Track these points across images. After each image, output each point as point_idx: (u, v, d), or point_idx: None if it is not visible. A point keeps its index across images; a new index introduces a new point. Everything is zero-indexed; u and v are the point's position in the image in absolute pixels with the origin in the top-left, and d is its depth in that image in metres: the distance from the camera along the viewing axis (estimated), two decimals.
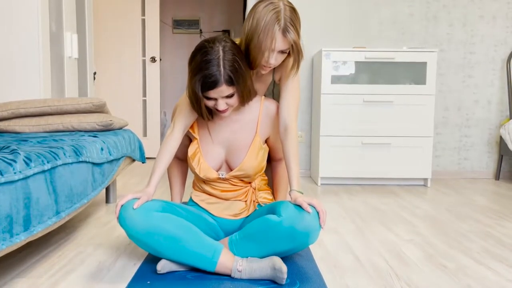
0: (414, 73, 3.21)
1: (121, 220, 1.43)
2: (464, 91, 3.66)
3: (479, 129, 3.69)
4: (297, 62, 1.58)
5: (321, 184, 3.32)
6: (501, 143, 3.57)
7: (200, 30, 5.87)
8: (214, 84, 1.42)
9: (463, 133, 3.69)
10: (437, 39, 3.62)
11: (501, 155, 3.60)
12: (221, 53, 1.43)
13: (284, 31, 1.47)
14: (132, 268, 1.55)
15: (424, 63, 3.19)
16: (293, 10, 1.51)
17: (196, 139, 1.66)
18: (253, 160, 1.62)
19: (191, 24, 5.86)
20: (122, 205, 1.45)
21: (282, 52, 1.53)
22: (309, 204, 1.42)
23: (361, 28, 3.61)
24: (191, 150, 1.66)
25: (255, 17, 1.50)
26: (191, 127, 1.68)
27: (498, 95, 3.66)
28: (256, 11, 1.51)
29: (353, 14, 3.60)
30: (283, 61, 1.59)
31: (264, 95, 1.79)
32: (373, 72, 3.21)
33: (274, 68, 1.70)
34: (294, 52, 1.53)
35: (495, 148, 3.70)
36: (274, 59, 1.52)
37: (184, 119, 1.62)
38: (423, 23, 3.60)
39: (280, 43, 1.49)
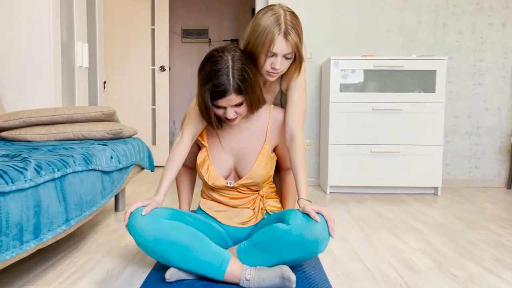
0: (423, 81, 3.20)
1: (130, 227, 1.44)
2: (474, 98, 3.64)
3: (490, 137, 3.65)
4: (299, 65, 1.59)
5: (330, 192, 3.30)
6: None
7: (209, 39, 5.91)
8: (223, 93, 1.44)
9: (473, 141, 3.66)
10: (446, 46, 3.60)
11: None
12: (230, 62, 1.45)
13: (286, 34, 1.48)
14: (140, 276, 1.56)
15: (434, 71, 3.18)
16: (293, 14, 1.52)
17: (206, 146, 1.67)
18: (261, 168, 1.63)
19: (200, 33, 5.90)
20: (131, 213, 1.46)
21: (286, 56, 1.53)
22: (317, 213, 1.42)
23: (369, 36, 3.61)
24: (200, 157, 1.67)
25: (255, 23, 1.52)
26: (200, 135, 1.69)
27: (508, 103, 3.63)
28: (256, 18, 1.54)
29: (361, 22, 3.61)
30: (289, 69, 1.60)
31: (273, 105, 1.79)
32: (382, 80, 3.21)
33: (281, 78, 1.70)
34: (296, 55, 1.55)
35: (507, 156, 3.66)
36: (280, 64, 1.52)
37: (193, 127, 1.63)
38: (432, 30, 3.60)
39: (283, 47, 1.49)
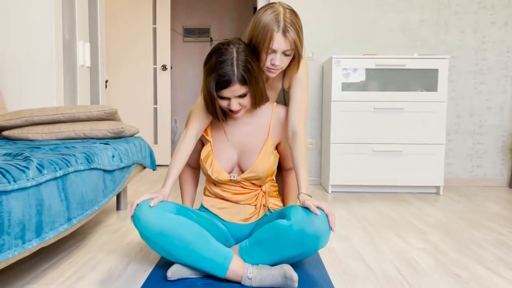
0: (425, 80, 3.19)
1: (135, 219, 1.44)
2: (476, 97, 3.63)
3: (492, 136, 3.65)
4: (297, 62, 1.61)
5: (331, 191, 3.30)
6: None
7: (211, 38, 5.90)
8: (227, 83, 1.47)
9: (475, 140, 3.65)
10: (448, 45, 3.60)
11: None
12: (235, 54, 1.48)
13: (284, 31, 1.51)
14: (142, 274, 1.56)
15: (436, 70, 3.17)
16: (292, 12, 1.56)
17: (210, 141, 1.69)
18: (264, 162, 1.64)
19: (202, 32, 5.90)
20: (137, 204, 1.46)
21: (285, 53, 1.56)
22: (317, 207, 1.43)
23: (371, 35, 3.60)
24: (204, 152, 1.69)
25: (255, 21, 1.56)
26: (205, 131, 1.70)
27: (511, 102, 3.62)
28: (256, 16, 1.57)
29: (363, 21, 3.60)
30: (288, 66, 1.62)
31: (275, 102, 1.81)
32: (384, 79, 3.20)
33: (283, 76, 1.72)
34: (294, 51, 1.57)
35: (509, 155, 3.65)
36: (279, 60, 1.55)
37: (197, 123, 1.65)
38: (434, 29, 3.59)
39: (281, 44, 1.53)
